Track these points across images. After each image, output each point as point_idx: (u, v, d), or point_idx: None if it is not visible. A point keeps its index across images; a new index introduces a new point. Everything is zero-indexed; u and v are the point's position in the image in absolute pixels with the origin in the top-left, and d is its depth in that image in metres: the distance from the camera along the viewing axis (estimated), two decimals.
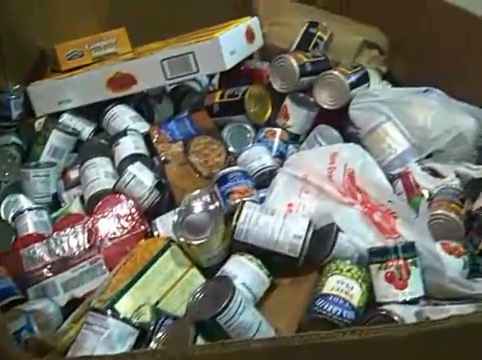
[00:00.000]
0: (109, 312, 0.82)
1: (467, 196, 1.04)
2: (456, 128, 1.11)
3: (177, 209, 0.97)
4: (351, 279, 0.86)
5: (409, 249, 0.86)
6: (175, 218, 0.94)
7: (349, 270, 0.87)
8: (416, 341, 0.62)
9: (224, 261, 0.93)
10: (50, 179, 1.19)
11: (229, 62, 1.18)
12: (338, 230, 0.91)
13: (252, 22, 1.32)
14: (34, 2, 1.36)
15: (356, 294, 0.85)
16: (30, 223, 1.10)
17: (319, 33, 1.33)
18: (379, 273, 0.86)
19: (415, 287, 0.85)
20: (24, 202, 1.16)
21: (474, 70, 1.25)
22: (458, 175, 1.10)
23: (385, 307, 0.83)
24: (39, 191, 1.18)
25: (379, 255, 0.86)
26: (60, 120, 1.27)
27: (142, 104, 1.29)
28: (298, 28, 1.35)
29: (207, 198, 1.01)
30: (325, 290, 0.85)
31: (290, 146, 1.17)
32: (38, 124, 1.29)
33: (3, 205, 1.16)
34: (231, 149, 1.15)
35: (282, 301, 0.92)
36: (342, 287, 0.85)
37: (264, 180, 1.06)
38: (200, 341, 0.78)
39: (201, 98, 1.30)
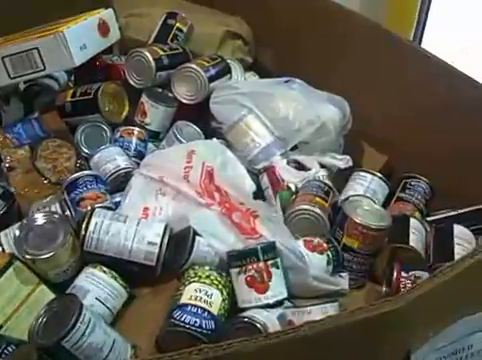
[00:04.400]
0: None
1: (333, 188, 1.02)
2: (319, 118, 1.09)
3: (20, 222, 0.88)
4: (210, 286, 0.81)
5: (269, 250, 0.82)
6: (17, 232, 0.85)
7: (208, 276, 0.82)
8: (266, 354, 0.57)
9: (75, 275, 0.86)
10: None
11: (78, 58, 1.09)
12: (195, 234, 0.86)
13: (105, 14, 1.24)
14: None
15: (216, 301, 0.80)
16: None
17: (178, 24, 1.27)
18: (239, 277, 0.82)
19: (277, 289, 0.82)
20: None
21: (336, 58, 1.24)
22: (324, 166, 1.08)
23: (247, 313, 0.80)
24: None
25: (238, 259, 0.82)
26: None
27: None
28: (156, 19, 1.29)
29: (56, 207, 0.93)
30: (183, 300, 0.79)
31: (150, 145, 1.11)
32: None
33: None
34: (86, 151, 1.07)
35: (142, 313, 0.86)
36: (201, 295, 0.79)
37: (119, 183, 0.99)
38: None
39: (54, 97, 1.20)
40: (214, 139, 1.09)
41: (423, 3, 1.96)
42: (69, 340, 0.72)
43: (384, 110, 1.17)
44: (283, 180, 1.04)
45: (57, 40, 1.07)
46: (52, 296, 0.84)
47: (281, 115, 1.09)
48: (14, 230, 0.88)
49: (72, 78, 1.33)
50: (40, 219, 0.86)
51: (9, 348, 0.75)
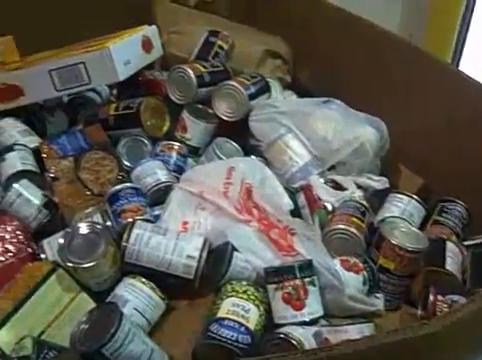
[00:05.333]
0: None
1: (369, 208, 1.03)
2: (357, 139, 1.09)
3: (63, 231, 0.90)
4: (247, 301, 0.82)
5: (306, 268, 0.83)
6: (61, 240, 0.87)
7: (245, 291, 0.83)
8: None
9: (115, 284, 0.88)
10: None
11: (122, 73, 1.12)
12: (234, 249, 0.87)
13: (149, 31, 1.27)
14: None
15: (253, 316, 0.81)
16: None
17: (219, 42, 1.30)
18: (276, 294, 0.82)
19: (313, 307, 0.82)
20: None
21: (375, 80, 1.25)
22: (360, 187, 1.08)
23: (283, 329, 0.80)
24: None
25: (275, 275, 0.83)
26: None
27: (33, 117, 1.21)
28: (198, 37, 1.31)
29: (98, 217, 0.95)
30: (220, 314, 0.81)
31: (189, 160, 1.13)
32: None
33: None
34: (127, 164, 1.09)
35: (178, 325, 0.88)
36: (238, 310, 0.80)
37: (159, 197, 1.01)
38: None
39: (97, 110, 1.23)
40: (252, 156, 1.11)
41: (462, 25, 1.96)
42: (109, 348, 0.74)
43: (421, 131, 1.17)
44: (320, 199, 1.04)
45: (103, 55, 1.10)
46: (92, 304, 0.86)
47: (319, 135, 1.10)
48: (58, 238, 0.90)
49: (113, 92, 1.37)
50: (83, 229, 0.88)
51: (51, 353, 0.77)
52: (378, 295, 0.89)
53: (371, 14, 1.28)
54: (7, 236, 0.96)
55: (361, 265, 0.90)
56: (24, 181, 1.02)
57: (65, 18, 1.31)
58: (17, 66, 1.21)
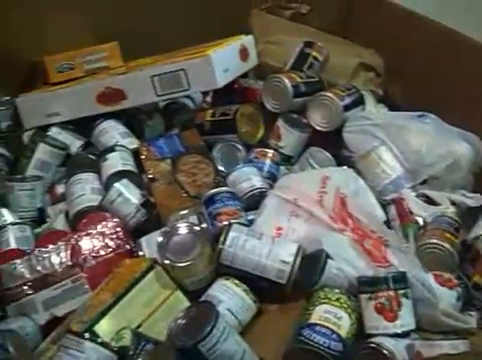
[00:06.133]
0: (86, 335, 0.79)
1: (462, 225, 1.01)
2: (451, 154, 1.09)
3: (162, 229, 0.94)
4: (340, 309, 0.83)
5: (400, 280, 0.83)
6: (160, 239, 0.91)
7: (338, 299, 0.84)
8: None
9: (209, 285, 0.90)
10: (36, 193, 1.16)
11: (221, 80, 1.16)
12: (327, 257, 0.88)
13: (246, 40, 1.31)
14: (27, 14, 1.33)
15: (344, 324, 0.82)
16: (12, 238, 1.06)
17: (314, 53, 1.31)
18: (369, 303, 0.83)
19: (406, 320, 0.83)
20: (7, 216, 1.12)
21: (469, 95, 1.24)
22: (453, 203, 1.07)
23: (375, 339, 0.81)
24: (24, 205, 1.15)
25: (369, 285, 0.84)
26: (48, 133, 1.25)
27: (133, 120, 1.26)
28: (293, 47, 1.33)
29: (194, 219, 0.99)
30: (312, 319, 0.82)
31: (282, 168, 1.15)
32: (26, 136, 1.26)
33: None
34: (221, 168, 1.13)
35: (268, 329, 0.89)
36: (330, 317, 0.82)
37: (253, 202, 1.03)
38: None
39: (193, 115, 1.27)
40: (344, 167, 1.12)
41: None
42: (205, 344, 0.76)
43: None
44: (411, 213, 1.04)
45: (204, 63, 1.14)
46: (186, 303, 0.89)
47: (413, 148, 1.10)
48: (156, 237, 0.94)
49: (206, 98, 1.40)
50: (182, 229, 0.91)
51: (148, 346, 0.80)
52: (472, 313, 0.88)
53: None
54: (107, 232, 1.01)
55: (455, 281, 0.89)
56: (124, 181, 1.06)
57: (166, 27, 1.36)
58: (121, 71, 1.27)
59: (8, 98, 1.33)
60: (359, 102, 1.20)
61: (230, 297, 0.88)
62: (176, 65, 1.16)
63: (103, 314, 0.84)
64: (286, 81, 1.17)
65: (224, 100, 1.27)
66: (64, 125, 1.26)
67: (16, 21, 1.31)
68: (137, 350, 0.79)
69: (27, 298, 0.96)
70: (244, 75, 1.33)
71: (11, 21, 1.31)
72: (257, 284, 0.89)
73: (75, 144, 1.26)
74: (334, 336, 0.80)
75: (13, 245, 1.05)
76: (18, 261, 0.99)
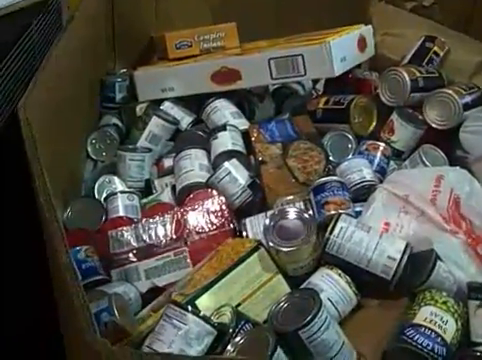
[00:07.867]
0: (190, 308, 0.80)
1: None
2: None
3: (269, 212, 0.94)
4: (446, 312, 0.80)
5: None
6: (267, 222, 0.91)
7: (445, 302, 0.82)
8: None
9: (310, 272, 0.90)
10: (145, 164, 1.19)
11: (338, 69, 1.14)
12: (437, 258, 0.86)
13: (365, 30, 1.28)
14: None
15: (450, 329, 0.79)
16: (121, 206, 1.09)
17: (435, 48, 1.28)
18: (478, 311, 0.81)
19: None
20: (118, 184, 1.16)
21: None
22: None
23: (480, 348, 0.78)
24: (133, 175, 1.18)
25: (479, 291, 0.81)
26: (161, 107, 1.28)
27: (244, 101, 1.27)
28: (412, 41, 1.30)
29: (301, 205, 0.98)
30: (417, 320, 0.80)
31: (391, 162, 1.13)
32: (139, 109, 1.30)
33: (97, 184, 1.16)
34: (330, 158, 1.12)
35: (367, 323, 0.88)
36: (436, 320, 0.79)
37: (361, 194, 1.02)
38: (279, 352, 0.75)
39: (303, 102, 1.27)
40: (457, 167, 1.08)
41: None
42: (306, 332, 0.76)
43: None
44: None
45: (323, 50, 1.13)
46: (286, 288, 0.89)
47: None
48: (261, 219, 0.94)
49: (316, 86, 1.39)
50: (290, 214, 0.91)
51: (247, 325, 0.81)
52: None
53: None
54: (213, 209, 1.03)
55: None
56: (234, 160, 1.07)
57: (285, 11, 1.36)
58: (237, 52, 1.28)
59: (125, 70, 1.38)
60: (479, 102, 1.16)
61: (332, 287, 0.87)
62: (295, 50, 1.16)
63: (205, 290, 0.85)
64: (405, 75, 1.14)
65: (335, 89, 1.26)
66: (176, 100, 1.29)
67: None
68: (236, 328, 0.80)
69: (131, 265, 0.99)
70: (357, 66, 1.31)
71: None
72: (360, 277, 0.88)
73: (185, 120, 1.28)
74: (439, 340, 0.78)
75: (122, 213, 1.08)
76: (125, 228, 1.03)
